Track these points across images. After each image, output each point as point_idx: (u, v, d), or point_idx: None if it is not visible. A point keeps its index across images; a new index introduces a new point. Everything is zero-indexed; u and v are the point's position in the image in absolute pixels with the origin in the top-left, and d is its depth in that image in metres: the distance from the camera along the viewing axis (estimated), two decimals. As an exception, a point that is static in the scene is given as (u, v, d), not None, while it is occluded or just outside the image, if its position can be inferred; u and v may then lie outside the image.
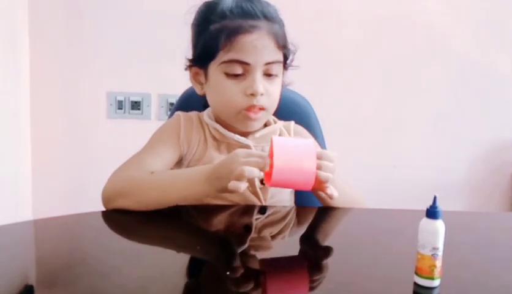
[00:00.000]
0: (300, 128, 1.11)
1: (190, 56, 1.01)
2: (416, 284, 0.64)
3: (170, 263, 0.73)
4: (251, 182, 0.92)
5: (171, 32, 1.95)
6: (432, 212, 0.64)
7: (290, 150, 0.78)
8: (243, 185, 0.79)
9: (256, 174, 0.79)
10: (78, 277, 0.65)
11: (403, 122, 2.18)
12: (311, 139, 0.95)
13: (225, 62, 0.92)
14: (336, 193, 0.86)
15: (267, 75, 0.94)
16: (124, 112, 2.02)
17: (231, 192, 0.80)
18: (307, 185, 0.78)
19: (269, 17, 0.94)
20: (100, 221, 0.89)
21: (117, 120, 2.03)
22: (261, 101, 0.94)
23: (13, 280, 0.66)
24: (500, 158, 2.24)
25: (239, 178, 0.78)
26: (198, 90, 1.02)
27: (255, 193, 0.95)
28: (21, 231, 0.83)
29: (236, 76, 0.93)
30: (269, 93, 0.94)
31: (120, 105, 2.01)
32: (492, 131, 2.22)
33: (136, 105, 2.02)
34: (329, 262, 0.76)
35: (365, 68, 2.11)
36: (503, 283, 0.70)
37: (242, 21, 0.92)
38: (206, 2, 0.99)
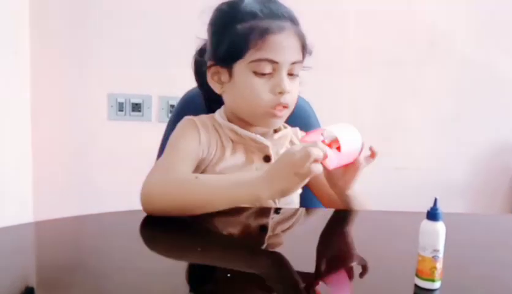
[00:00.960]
0: (301, 133, 1.12)
1: (208, 56, 1.01)
2: (416, 286, 0.64)
3: (172, 265, 0.73)
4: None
5: (172, 34, 1.96)
6: (432, 214, 0.64)
7: (347, 136, 0.87)
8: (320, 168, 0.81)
9: (321, 169, 0.81)
10: (79, 279, 0.65)
11: (405, 124, 2.18)
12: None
13: (254, 61, 0.94)
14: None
15: (290, 74, 0.97)
16: (125, 114, 2.02)
17: (294, 189, 0.83)
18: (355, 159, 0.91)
19: (293, 19, 0.98)
20: (101, 223, 0.89)
21: (117, 122, 2.03)
22: (286, 99, 0.96)
23: (14, 282, 0.66)
24: (501, 160, 2.24)
25: (306, 176, 0.80)
26: (217, 90, 1.02)
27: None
28: (22, 233, 0.83)
29: (263, 75, 0.95)
30: (292, 92, 0.97)
31: (121, 107, 2.01)
32: (494, 133, 2.22)
33: (136, 107, 2.02)
34: (330, 264, 0.76)
35: (366, 70, 2.11)
36: (504, 285, 0.70)
37: (271, 22, 0.94)
38: (227, 3, 0.99)
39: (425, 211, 0.64)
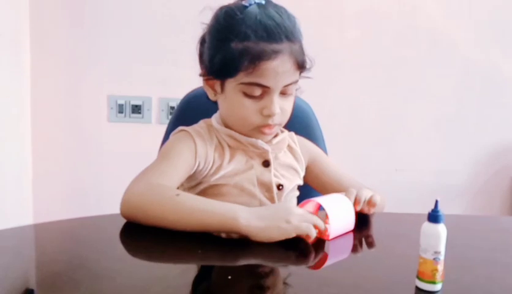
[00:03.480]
0: (302, 138, 1.12)
1: (202, 62, 0.99)
2: (417, 288, 0.64)
3: (172, 267, 0.73)
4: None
5: (172, 36, 1.96)
6: (433, 216, 0.64)
7: (339, 211, 0.85)
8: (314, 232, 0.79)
9: (315, 234, 0.79)
10: (79, 281, 0.65)
11: (405, 126, 2.18)
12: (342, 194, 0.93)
13: (244, 83, 0.91)
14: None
15: (283, 93, 0.95)
16: (125, 116, 2.02)
17: (274, 232, 0.78)
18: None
19: (291, 38, 0.92)
20: (101, 225, 0.89)
21: (117, 123, 2.03)
22: (275, 120, 0.95)
23: (14, 283, 0.66)
24: (501, 161, 2.24)
25: (299, 232, 0.78)
26: (211, 96, 1.00)
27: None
28: (22, 235, 0.83)
29: (253, 96, 0.93)
30: (283, 110, 0.95)
31: (121, 109, 2.01)
32: (494, 134, 2.22)
33: (136, 109, 2.02)
34: (331, 265, 0.76)
35: (366, 71, 2.11)
36: (504, 287, 0.70)
37: (265, 45, 0.89)
38: (227, 12, 0.94)
39: (426, 213, 0.64)
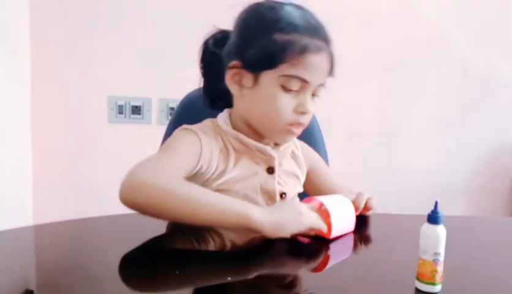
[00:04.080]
0: (304, 144, 1.12)
1: (231, 54, 0.95)
2: (417, 290, 0.64)
3: (173, 269, 0.73)
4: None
5: (172, 37, 1.96)
6: (433, 218, 0.64)
7: (340, 210, 0.86)
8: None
9: (326, 229, 0.81)
10: (79, 283, 0.65)
11: (405, 126, 2.18)
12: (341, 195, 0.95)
13: (286, 75, 0.90)
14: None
15: (313, 94, 0.95)
16: (125, 116, 2.02)
17: (287, 228, 0.79)
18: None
19: (329, 39, 0.94)
20: (101, 226, 0.89)
21: (117, 124, 2.03)
22: (305, 119, 0.94)
23: (14, 285, 0.66)
24: (501, 162, 2.24)
25: (312, 226, 0.81)
26: (235, 92, 0.96)
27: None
28: (22, 237, 0.83)
29: (290, 90, 0.91)
30: (311, 112, 0.95)
31: (120, 110, 2.01)
32: (493, 135, 2.22)
33: (136, 110, 2.02)
34: (330, 267, 0.76)
35: (366, 72, 2.11)
36: (504, 288, 0.70)
37: (310, 40, 0.89)
38: (266, 5, 0.93)
39: (426, 214, 0.64)
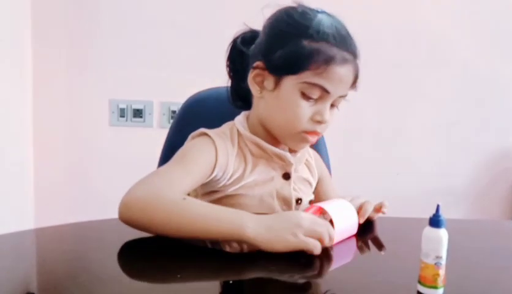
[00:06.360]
0: (315, 153, 1.13)
1: (256, 54, 0.95)
2: (419, 293, 0.64)
3: (174, 272, 0.73)
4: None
5: (174, 40, 1.96)
6: (435, 221, 0.63)
7: (342, 217, 0.86)
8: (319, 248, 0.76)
9: (319, 251, 0.76)
10: (80, 286, 0.65)
11: (406, 130, 2.18)
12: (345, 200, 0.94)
13: (308, 83, 0.89)
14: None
15: (332, 104, 0.94)
16: (126, 120, 2.02)
17: (281, 242, 0.75)
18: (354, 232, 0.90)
19: (356, 53, 0.92)
20: (102, 229, 0.89)
21: (119, 127, 2.03)
22: (322, 128, 0.94)
23: (15, 288, 0.66)
24: (502, 165, 2.24)
25: (305, 248, 0.75)
26: (255, 93, 0.96)
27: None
28: (23, 240, 0.83)
29: (310, 98, 0.90)
30: (328, 122, 0.94)
31: (122, 113, 2.02)
32: (495, 138, 2.22)
33: (138, 113, 2.02)
34: (332, 270, 0.76)
35: (367, 75, 2.10)
36: (507, 292, 0.70)
37: (338, 50, 0.89)
38: (298, 11, 0.93)
39: (427, 217, 0.64)
